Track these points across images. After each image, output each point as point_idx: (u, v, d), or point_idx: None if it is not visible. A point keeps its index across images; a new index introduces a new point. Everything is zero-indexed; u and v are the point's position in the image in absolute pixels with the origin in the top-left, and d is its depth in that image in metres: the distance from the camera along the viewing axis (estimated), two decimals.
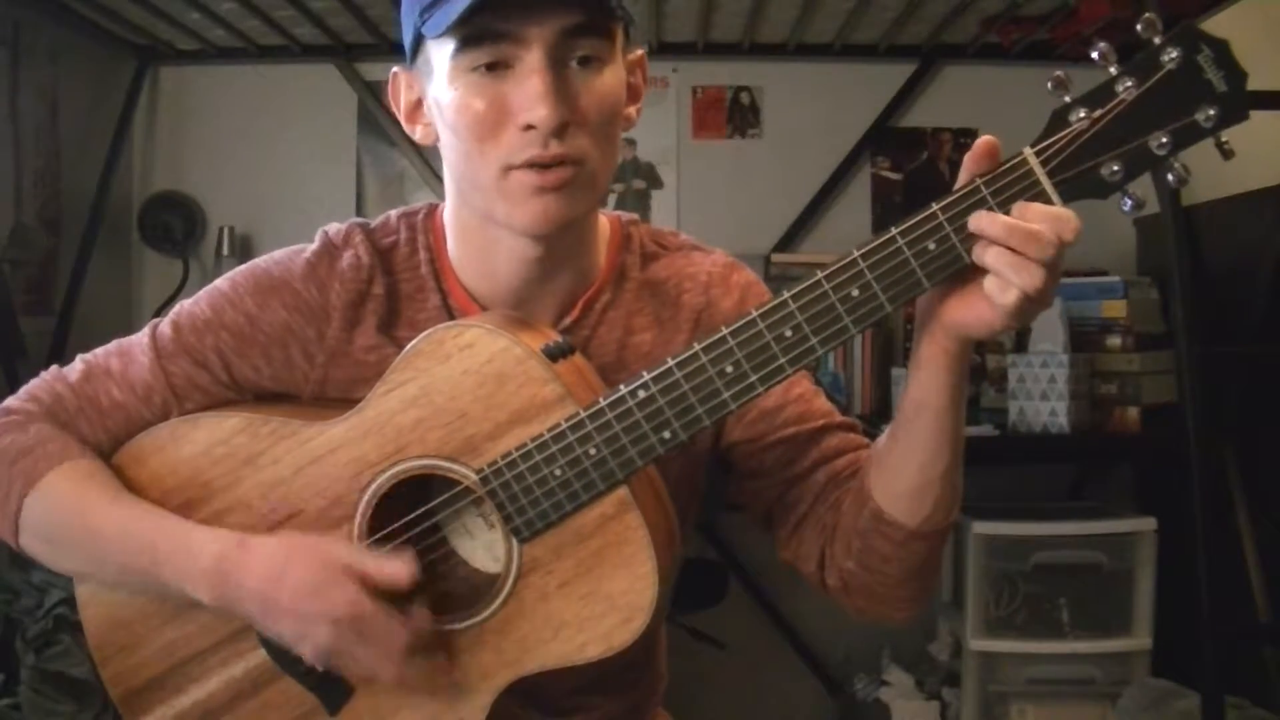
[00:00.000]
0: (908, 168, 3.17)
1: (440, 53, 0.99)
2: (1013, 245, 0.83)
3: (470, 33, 0.96)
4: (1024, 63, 3.01)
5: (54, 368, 1.14)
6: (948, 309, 0.90)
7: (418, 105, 1.07)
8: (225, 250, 3.04)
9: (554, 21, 0.95)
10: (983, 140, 0.87)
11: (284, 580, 0.98)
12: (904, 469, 0.97)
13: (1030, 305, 0.85)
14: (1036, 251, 0.83)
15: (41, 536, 1.08)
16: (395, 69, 1.09)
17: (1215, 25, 2.25)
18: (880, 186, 3.17)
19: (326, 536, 1.02)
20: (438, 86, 1.01)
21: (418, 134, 1.08)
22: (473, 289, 1.09)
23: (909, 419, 0.96)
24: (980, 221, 0.85)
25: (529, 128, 0.96)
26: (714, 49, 3.12)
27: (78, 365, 1.13)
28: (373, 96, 3.10)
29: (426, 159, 3.09)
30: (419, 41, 1.02)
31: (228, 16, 2.78)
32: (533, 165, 0.97)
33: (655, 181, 3.17)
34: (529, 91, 0.95)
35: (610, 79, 1.00)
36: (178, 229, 3.09)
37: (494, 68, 0.97)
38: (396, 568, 0.97)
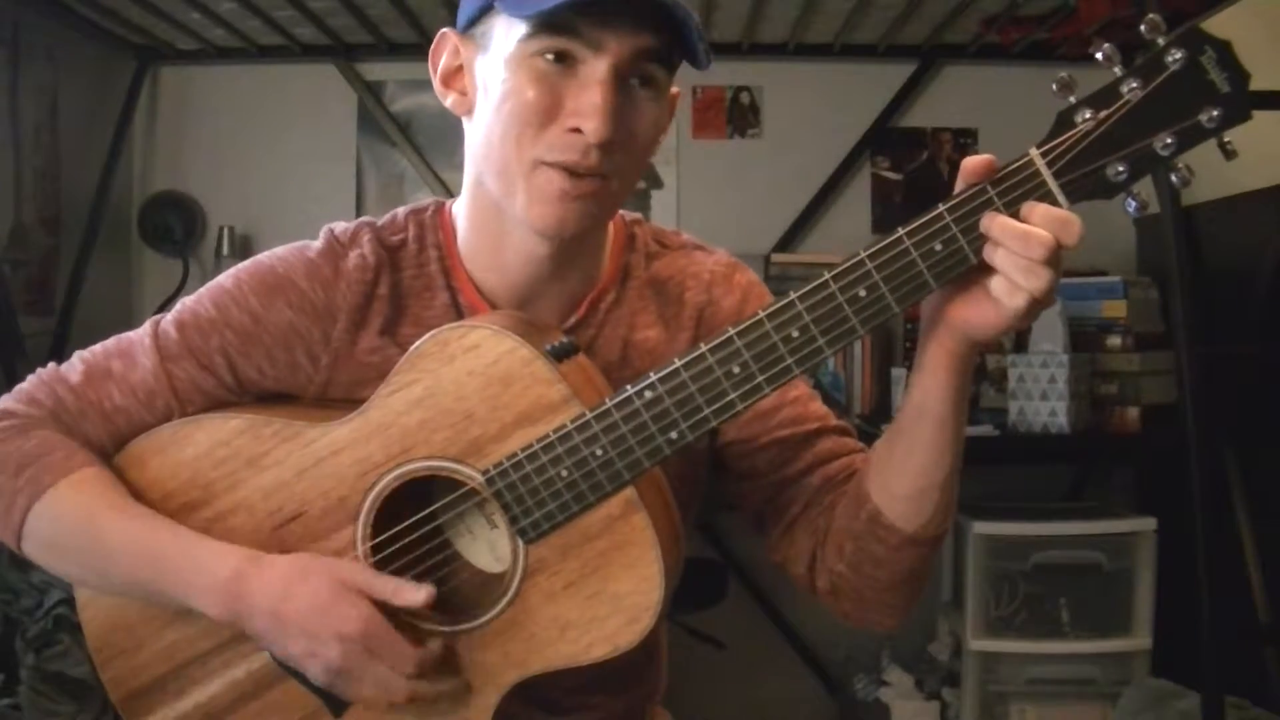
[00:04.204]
0: (908, 168, 3.17)
1: (508, 33, 0.98)
2: (1016, 249, 0.84)
3: (550, 21, 0.95)
4: (1024, 63, 3.01)
5: (51, 366, 1.11)
6: (953, 309, 0.89)
7: (458, 71, 1.06)
8: (225, 250, 3.04)
9: (633, 39, 0.95)
10: (980, 159, 0.86)
11: (295, 597, 0.97)
12: (903, 473, 0.97)
13: (1036, 307, 0.86)
14: (1041, 254, 0.83)
15: (45, 545, 1.07)
16: (445, 30, 1.07)
17: (1215, 25, 2.24)
18: (880, 186, 3.17)
19: (341, 559, 1.01)
20: (492, 63, 1.00)
21: (450, 100, 1.06)
22: (482, 283, 1.09)
23: (910, 424, 0.96)
24: (986, 222, 0.85)
25: (577, 131, 0.96)
26: (714, 49, 3.08)
27: (77, 365, 1.10)
28: (373, 96, 3.08)
29: (426, 159, 3.07)
30: (484, 12, 1.00)
31: (228, 16, 2.78)
32: (566, 169, 0.97)
33: (655, 181, 3.17)
34: (588, 99, 0.95)
35: (661, 108, 1.02)
36: (178, 229, 3.09)
37: (561, 59, 0.96)
38: (411, 594, 0.97)
